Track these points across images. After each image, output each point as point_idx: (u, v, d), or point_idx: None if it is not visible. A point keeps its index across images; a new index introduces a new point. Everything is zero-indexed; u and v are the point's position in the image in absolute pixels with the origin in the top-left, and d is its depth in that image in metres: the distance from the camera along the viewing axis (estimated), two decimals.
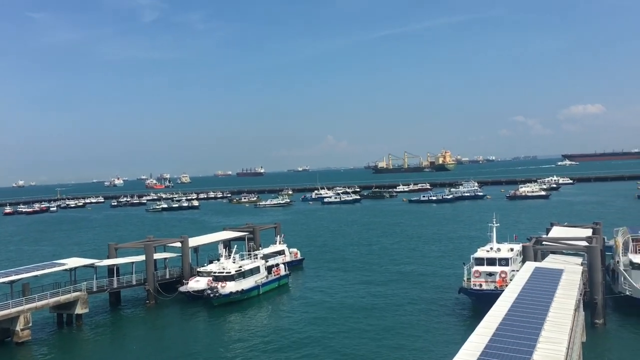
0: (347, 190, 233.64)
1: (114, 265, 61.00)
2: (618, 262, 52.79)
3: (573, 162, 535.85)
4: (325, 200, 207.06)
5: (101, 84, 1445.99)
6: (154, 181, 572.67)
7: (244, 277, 59.75)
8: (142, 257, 62.48)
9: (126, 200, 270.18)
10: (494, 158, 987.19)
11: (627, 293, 47.22)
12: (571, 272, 38.06)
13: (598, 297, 44.40)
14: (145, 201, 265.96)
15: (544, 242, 51.83)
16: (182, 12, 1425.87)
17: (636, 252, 52.25)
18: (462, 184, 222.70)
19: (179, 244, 66.62)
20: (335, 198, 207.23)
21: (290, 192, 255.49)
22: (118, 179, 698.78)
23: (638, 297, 46.44)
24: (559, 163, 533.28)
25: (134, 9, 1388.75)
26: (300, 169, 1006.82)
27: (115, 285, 59.07)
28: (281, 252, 74.82)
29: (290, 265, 72.68)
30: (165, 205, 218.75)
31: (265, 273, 63.94)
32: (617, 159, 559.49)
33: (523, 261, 47.41)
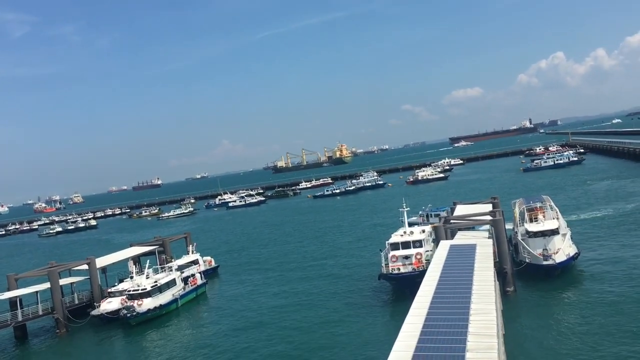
0: (251, 192, 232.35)
1: (15, 297, 56.59)
2: (516, 232, 56.34)
3: (469, 143, 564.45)
4: (230, 204, 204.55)
5: None
6: (43, 205, 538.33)
7: (160, 292, 57.63)
8: (47, 285, 58.58)
9: (15, 228, 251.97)
10: (387, 147, 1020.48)
11: (527, 261, 50.44)
12: (484, 246, 40.23)
13: (507, 266, 47.24)
14: (36, 226, 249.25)
15: (451, 221, 54.39)
16: (55, 24, 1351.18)
17: (531, 221, 55.61)
18: (362, 175, 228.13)
19: (85, 267, 62.99)
20: (240, 202, 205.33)
21: (192, 201, 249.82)
22: (2, 206, 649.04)
23: (536, 264, 49.81)
24: (456, 145, 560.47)
25: (1, 24, 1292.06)
26: (198, 176, 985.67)
27: (20, 318, 54.85)
28: (195, 262, 72.96)
29: (205, 274, 70.95)
30: (60, 229, 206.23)
31: (182, 285, 62.03)
32: (499, 137, 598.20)
33: (435, 241, 49.47)
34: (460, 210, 63.83)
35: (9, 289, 59.23)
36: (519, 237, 53.92)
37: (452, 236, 51.35)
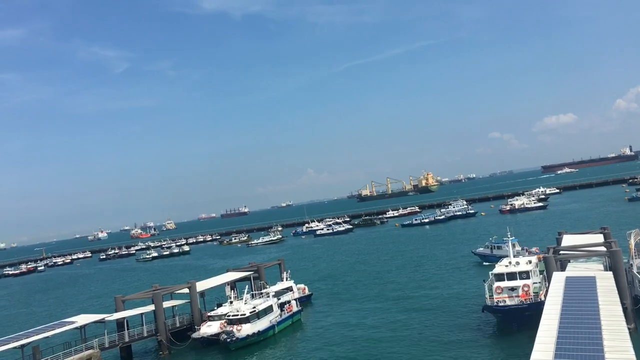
0: (338, 220, 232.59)
1: (123, 318, 58.96)
2: (632, 265, 52.33)
3: (572, 170, 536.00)
4: (318, 232, 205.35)
5: (75, 138, 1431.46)
6: (139, 231, 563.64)
7: (258, 318, 58.08)
8: (151, 308, 60.64)
9: (114, 253, 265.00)
10: (474, 176, 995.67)
11: None
12: (604, 278, 37.46)
13: (627, 301, 43.69)
14: (134, 251, 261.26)
15: (561, 252, 51.36)
16: (152, 60, 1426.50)
17: None
18: (451, 204, 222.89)
19: (186, 290, 64.78)
20: (328, 229, 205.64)
21: (280, 229, 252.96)
22: (102, 232, 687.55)
23: None
24: (559, 172, 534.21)
25: (104, 61, 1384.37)
26: (284, 204, 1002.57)
27: (127, 339, 56.98)
28: (289, 289, 73.19)
29: (300, 301, 71.02)
30: (156, 254, 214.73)
31: (279, 311, 62.34)
32: (597, 165, 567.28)
33: (547, 272, 46.75)
34: (568, 240, 60.25)
35: (116, 311, 61.81)
36: (635, 271, 50.08)
37: (563, 268, 48.43)
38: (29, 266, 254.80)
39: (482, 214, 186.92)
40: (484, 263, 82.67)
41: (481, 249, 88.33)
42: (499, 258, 79.84)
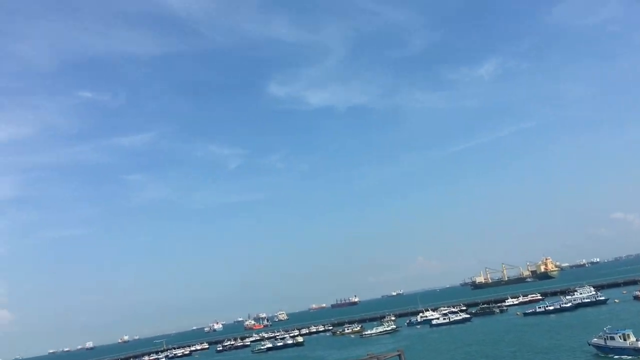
0: (453, 309, 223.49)
1: None
2: None
3: None
4: (433, 322, 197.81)
5: (191, 232, 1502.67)
6: (252, 322, 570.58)
7: None
8: None
9: (230, 344, 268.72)
10: (598, 260, 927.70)
11: None
12: None
13: None
14: (249, 342, 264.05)
15: None
16: (262, 155, 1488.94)
17: None
18: (576, 290, 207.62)
19: None
20: (444, 319, 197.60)
21: (392, 318, 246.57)
22: (217, 323, 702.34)
23: None
24: None
25: (219, 159, 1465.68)
26: (394, 293, 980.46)
27: None
28: None
29: None
30: (270, 345, 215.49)
31: None
32: None
33: None
34: None
35: None
36: None
37: None
38: (150, 358, 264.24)
39: (616, 300, 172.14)
40: (610, 355, 76.87)
41: (595, 339, 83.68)
42: (612, 349, 75.87)
